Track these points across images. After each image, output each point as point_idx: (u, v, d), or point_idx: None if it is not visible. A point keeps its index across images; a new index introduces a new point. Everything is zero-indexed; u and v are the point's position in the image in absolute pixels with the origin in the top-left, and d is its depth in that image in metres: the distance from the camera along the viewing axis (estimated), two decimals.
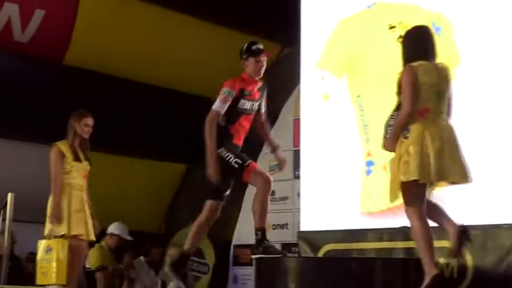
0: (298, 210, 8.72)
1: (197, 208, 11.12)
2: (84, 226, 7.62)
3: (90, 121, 7.83)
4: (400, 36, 6.79)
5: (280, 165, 7.09)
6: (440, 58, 6.23)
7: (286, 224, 10.11)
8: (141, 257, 10.25)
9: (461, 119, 7.25)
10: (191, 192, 11.62)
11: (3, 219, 8.48)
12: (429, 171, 5.97)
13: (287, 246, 8.74)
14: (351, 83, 7.99)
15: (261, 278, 6.95)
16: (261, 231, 6.83)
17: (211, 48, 10.99)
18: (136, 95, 10.80)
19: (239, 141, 6.96)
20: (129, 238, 9.95)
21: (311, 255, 7.81)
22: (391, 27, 7.63)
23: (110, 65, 10.49)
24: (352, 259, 6.68)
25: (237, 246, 10.85)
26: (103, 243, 9.73)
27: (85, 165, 7.80)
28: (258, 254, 6.74)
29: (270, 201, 10.18)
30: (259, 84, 6.99)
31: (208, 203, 7.08)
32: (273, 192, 10.28)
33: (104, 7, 9.95)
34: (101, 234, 9.51)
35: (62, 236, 7.46)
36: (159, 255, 10.53)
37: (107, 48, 10.25)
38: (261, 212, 6.85)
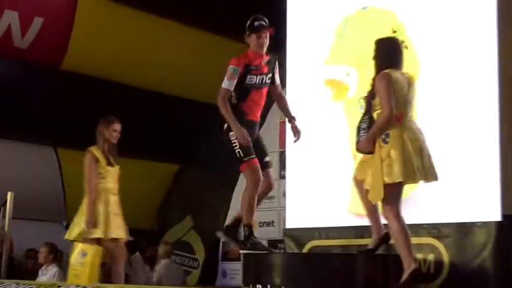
0: (283, 209, 8.71)
1: (188, 207, 11.25)
2: (122, 229, 7.69)
3: (118, 127, 7.82)
4: (403, 42, 6.83)
5: (296, 135, 6.88)
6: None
7: (273, 222, 10.13)
8: (137, 253, 10.26)
9: (431, 122, 7.36)
10: (182, 191, 11.65)
11: (3, 217, 8.47)
12: (413, 172, 6.14)
13: (273, 243, 8.79)
14: (360, 80, 7.92)
15: (248, 272, 6.96)
16: (248, 227, 6.78)
17: (201, 53, 11.01)
18: (131, 98, 10.81)
19: (254, 117, 6.84)
20: (129, 238, 9.93)
21: (296, 251, 7.81)
22: (394, 32, 7.62)
23: (105, 70, 10.51)
24: (335, 255, 6.69)
25: (226, 243, 10.84)
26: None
27: (116, 169, 7.80)
28: (245, 250, 6.76)
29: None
30: (267, 58, 6.82)
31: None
32: None
33: (99, 16, 9.97)
34: None
35: (97, 239, 7.49)
36: (154, 252, 10.55)
37: (102, 55, 10.27)
38: (248, 209, 6.75)
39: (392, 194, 6.21)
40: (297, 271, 6.52)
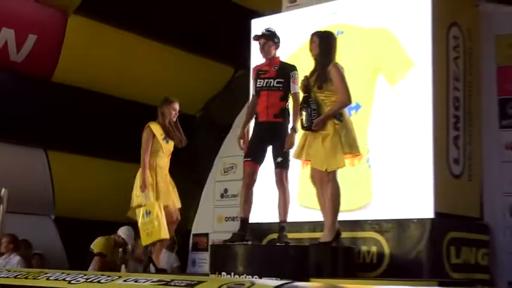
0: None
1: None
2: (168, 197, 7.54)
3: (176, 106, 7.73)
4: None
5: (286, 145, 6.73)
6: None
7: (237, 217, 10.14)
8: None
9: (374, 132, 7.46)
10: None
11: None
12: (357, 144, 6.49)
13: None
14: None
15: (215, 261, 6.99)
16: (241, 220, 6.91)
17: (176, 69, 11.03)
18: (113, 107, 10.81)
19: (264, 118, 6.83)
20: (131, 243, 9.87)
21: (257, 243, 7.89)
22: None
23: (92, 82, 10.49)
24: (290, 246, 6.71)
25: (195, 235, 10.85)
26: (113, 236, 9.67)
27: (170, 146, 7.69)
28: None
29: (223, 198, 10.37)
30: (278, 64, 6.89)
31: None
32: (226, 190, 10.40)
33: (87, 34, 9.96)
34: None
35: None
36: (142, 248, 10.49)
37: (89, 68, 10.25)
38: (241, 204, 6.93)
39: (343, 163, 6.40)
40: (257, 260, 6.58)
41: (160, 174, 7.55)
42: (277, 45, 7.00)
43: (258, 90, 6.92)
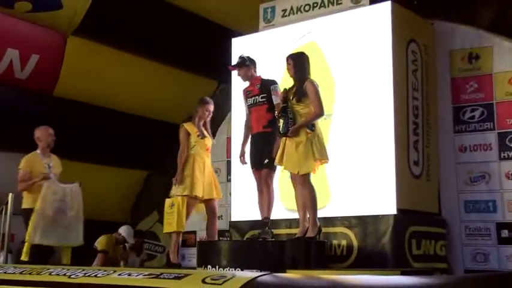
0: (229, 206, 8.77)
1: (154, 204, 11.19)
2: (209, 189, 7.43)
3: (211, 108, 7.58)
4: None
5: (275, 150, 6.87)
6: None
7: (221, 216, 10.09)
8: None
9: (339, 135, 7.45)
10: (150, 192, 11.61)
11: (5, 214, 8.35)
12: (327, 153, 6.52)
13: (221, 232, 8.77)
14: None
15: (201, 256, 6.98)
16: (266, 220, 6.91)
17: (166, 84, 11.02)
18: (110, 119, 10.77)
19: (256, 130, 6.99)
20: (132, 241, 9.87)
21: (239, 239, 7.87)
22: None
23: (89, 96, 10.44)
24: (268, 241, 6.71)
25: (184, 232, 10.67)
26: (114, 234, 9.66)
27: (207, 141, 7.58)
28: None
29: None
30: (259, 82, 7.06)
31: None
32: None
33: (84, 53, 9.92)
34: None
35: (185, 196, 7.30)
36: (139, 243, 10.48)
37: (86, 84, 10.20)
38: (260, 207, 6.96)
39: (313, 168, 6.42)
40: (239, 254, 6.57)
41: (197, 168, 7.40)
42: (250, 67, 7.17)
43: (249, 109, 7.15)
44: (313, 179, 6.58)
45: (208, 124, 7.71)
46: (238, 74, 7.25)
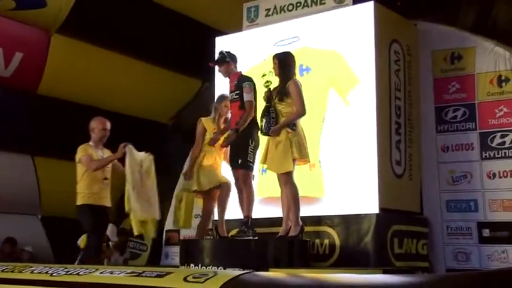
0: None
1: None
2: (208, 179, 7.14)
3: (228, 103, 7.28)
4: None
5: (224, 143, 7.03)
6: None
7: None
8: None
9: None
10: None
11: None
12: (307, 152, 6.55)
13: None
14: None
15: (184, 254, 6.97)
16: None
17: (150, 83, 10.99)
18: (91, 117, 10.67)
19: (233, 126, 6.89)
20: (115, 239, 9.79)
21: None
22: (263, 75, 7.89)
23: (73, 94, 10.39)
24: (251, 240, 6.70)
25: (168, 231, 10.75)
26: None
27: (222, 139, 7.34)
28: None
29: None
30: (236, 78, 6.94)
31: None
32: (196, 191, 10.30)
33: (68, 51, 9.89)
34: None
35: (194, 191, 7.17)
36: (124, 242, 10.41)
37: (70, 82, 10.17)
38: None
39: (293, 167, 6.42)
40: (222, 253, 6.56)
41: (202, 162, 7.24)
42: (230, 63, 7.10)
43: (230, 104, 7.09)
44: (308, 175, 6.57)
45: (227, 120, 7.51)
46: (219, 71, 7.20)
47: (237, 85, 6.91)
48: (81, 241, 9.35)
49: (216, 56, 7.41)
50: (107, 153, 7.53)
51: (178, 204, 7.22)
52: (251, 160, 6.73)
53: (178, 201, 7.26)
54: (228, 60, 7.09)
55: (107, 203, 7.33)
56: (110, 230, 9.67)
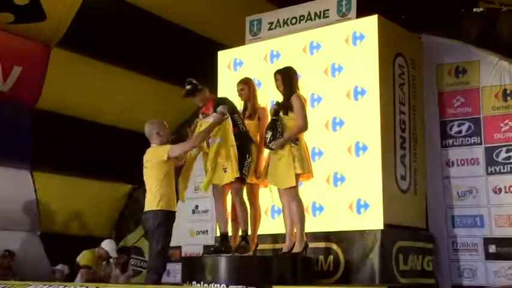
0: (215, 221, 8.70)
1: (139, 218, 11.15)
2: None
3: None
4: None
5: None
6: None
7: (207, 231, 10.09)
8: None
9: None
10: (135, 206, 11.56)
11: None
12: (311, 167, 6.59)
13: (207, 247, 8.73)
14: None
15: (186, 272, 6.95)
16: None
17: (150, 97, 10.98)
18: (93, 132, 10.73)
19: None
20: (114, 255, 9.73)
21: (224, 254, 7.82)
22: None
23: (73, 109, 10.41)
24: (254, 256, 6.70)
25: (170, 248, 10.72)
26: (96, 249, 9.53)
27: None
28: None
29: (194, 213, 10.29)
30: (211, 107, 6.74)
31: None
32: (197, 206, 10.34)
33: (68, 66, 9.88)
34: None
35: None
36: (125, 260, 10.34)
37: (70, 96, 10.17)
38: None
39: (297, 182, 6.44)
40: (224, 270, 6.54)
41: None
42: (203, 90, 6.86)
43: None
44: None
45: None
46: (194, 102, 6.96)
47: (214, 112, 6.71)
48: (81, 258, 9.36)
49: (220, 72, 7.36)
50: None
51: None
52: (246, 173, 6.71)
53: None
54: (200, 87, 6.84)
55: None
56: (109, 246, 9.64)
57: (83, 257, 9.38)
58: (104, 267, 9.82)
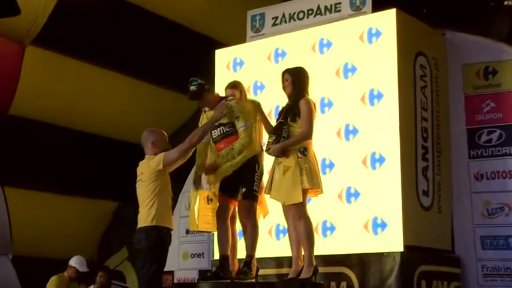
0: (212, 242, 8.75)
1: (125, 238, 11.19)
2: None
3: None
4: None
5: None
6: None
7: (203, 253, 10.10)
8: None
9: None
10: (121, 225, 11.61)
11: None
12: (320, 181, 6.55)
13: (203, 272, 8.75)
14: None
15: None
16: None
17: (138, 101, 11.00)
18: (73, 141, 10.77)
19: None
20: (85, 270, 9.70)
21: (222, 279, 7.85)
22: None
23: (49, 115, 10.44)
24: (256, 283, 6.71)
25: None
26: (64, 273, 9.49)
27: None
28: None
29: (188, 234, 10.30)
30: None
31: None
32: None
33: (44, 66, 9.93)
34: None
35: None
36: (106, 279, 10.30)
37: (46, 101, 10.20)
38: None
39: (305, 198, 6.44)
40: None
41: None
42: (210, 90, 6.86)
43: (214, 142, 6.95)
44: None
45: None
46: (200, 105, 6.95)
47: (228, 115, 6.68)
48: (49, 285, 9.31)
49: (218, 73, 7.34)
50: None
51: (206, 204, 6.86)
52: (256, 189, 6.72)
53: (205, 200, 6.89)
54: (207, 87, 6.81)
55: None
56: (77, 262, 9.50)
57: (51, 284, 9.34)
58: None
